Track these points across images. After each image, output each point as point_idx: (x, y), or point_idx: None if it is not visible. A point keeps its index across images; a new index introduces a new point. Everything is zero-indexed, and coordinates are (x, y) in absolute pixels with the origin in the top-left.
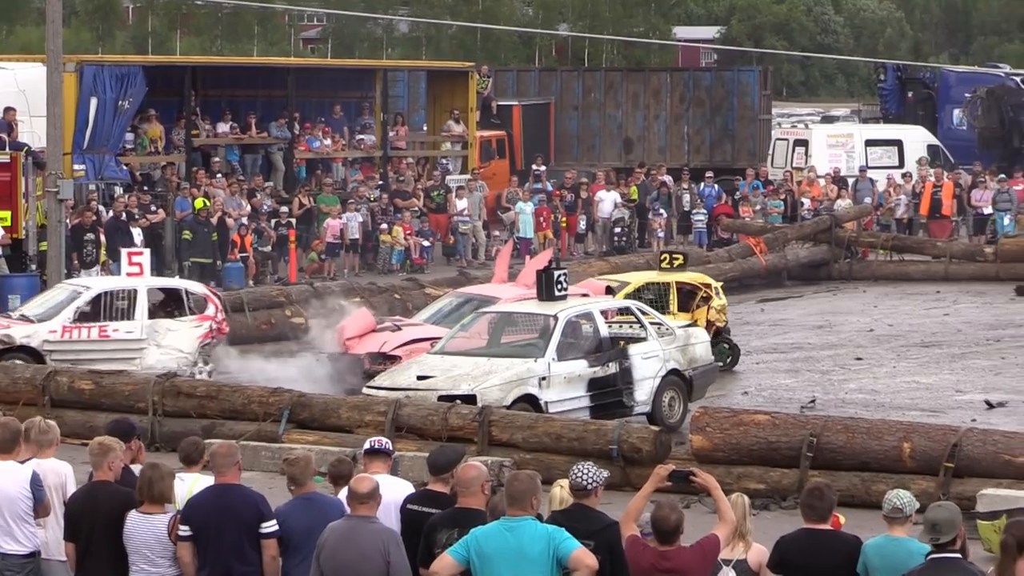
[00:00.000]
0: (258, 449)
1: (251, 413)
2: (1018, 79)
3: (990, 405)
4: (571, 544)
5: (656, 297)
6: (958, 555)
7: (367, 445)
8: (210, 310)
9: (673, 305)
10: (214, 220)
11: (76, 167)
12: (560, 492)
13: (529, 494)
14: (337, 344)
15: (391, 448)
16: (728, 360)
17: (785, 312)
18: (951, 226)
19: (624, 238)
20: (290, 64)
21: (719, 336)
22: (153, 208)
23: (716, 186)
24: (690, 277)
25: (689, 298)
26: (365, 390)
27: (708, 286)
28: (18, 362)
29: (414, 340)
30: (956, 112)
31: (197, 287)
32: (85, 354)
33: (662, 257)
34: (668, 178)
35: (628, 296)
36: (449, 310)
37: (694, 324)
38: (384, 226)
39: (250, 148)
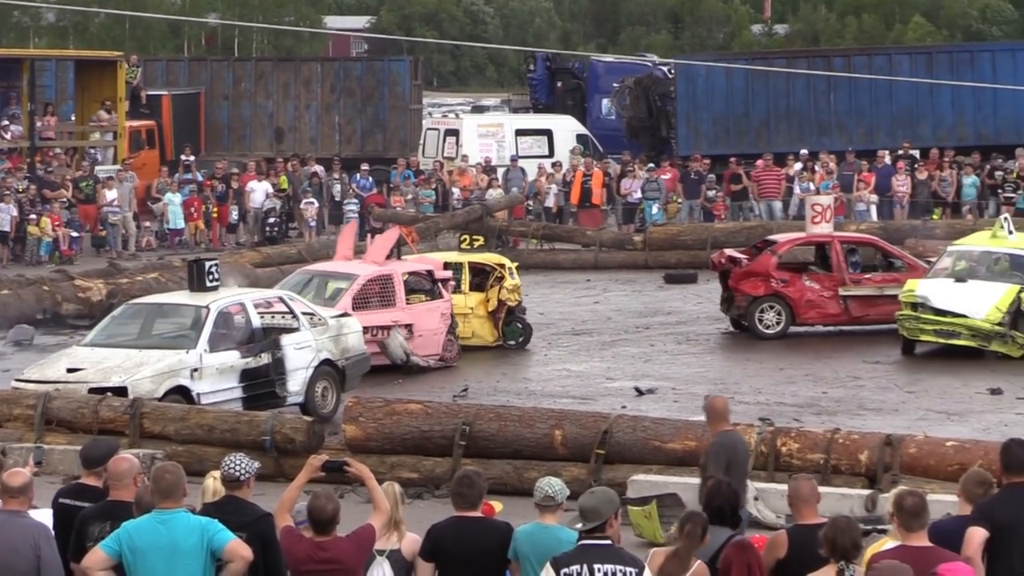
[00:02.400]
0: None
1: None
2: (665, 69)
3: (640, 392)
4: (225, 536)
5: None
6: (607, 540)
7: None
8: None
9: (465, 285)
10: None
11: None
12: (213, 484)
13: (179, 486)
14: None
15: None
16: (520, 339)
17: None
18: (601, 215)
19: (276, 228)
20: None
21: (512, 315)
22: None
23: (370, 177)
24: (484, 258)
25: (483, 278)
26: (13, 384)
27: (502, 266)
28: None
29: None
30: (605, 102)
31: None
32: None
33: (462, 238)
34: (319, 168)
35: None
36: (300, 288)
37: (347, 314)
38: (33, 217)
39: None
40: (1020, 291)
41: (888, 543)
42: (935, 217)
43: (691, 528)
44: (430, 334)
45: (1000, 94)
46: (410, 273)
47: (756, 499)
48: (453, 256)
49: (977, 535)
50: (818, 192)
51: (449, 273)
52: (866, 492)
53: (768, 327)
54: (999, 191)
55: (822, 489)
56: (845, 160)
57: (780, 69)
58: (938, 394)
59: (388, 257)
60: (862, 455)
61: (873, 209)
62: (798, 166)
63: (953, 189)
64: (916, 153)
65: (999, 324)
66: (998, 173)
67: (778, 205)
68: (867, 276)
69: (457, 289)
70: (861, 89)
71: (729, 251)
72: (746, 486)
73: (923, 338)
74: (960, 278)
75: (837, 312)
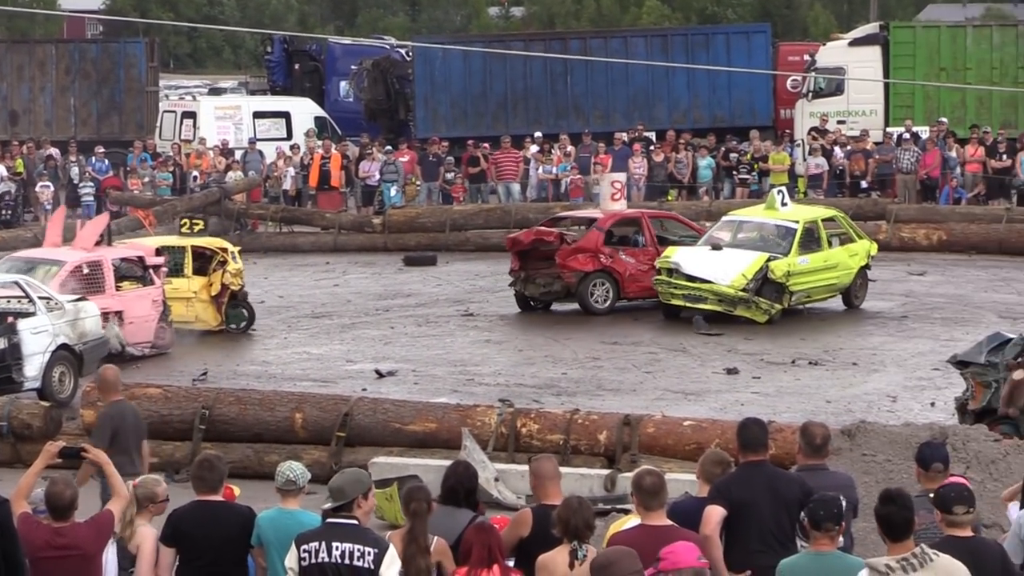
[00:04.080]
0: None
1: None
2: (403, 51)
3: (380, 374)
4: None
5: (172, 260)
6: (352, 520)
7: None
8: None
9: (188, 268)
10: None
11: None
12: None
13: None
14: None
15: None
16: (244, 324)
17: None
18: (340, 197)
19: (10, 211)
20: None
21: (235, 299)
22: None
23: (107, 160)
24: (207, 242)
25: (206, 262)
26: None
27: (224, 250)
28: None
29: None
30: (343, 84)
31: None
32: None
33: (182, 222)
34: (55, 150)
35: None
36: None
37: (84, 299)
38: None
39: None
40: (768, 259)
41: (631, 521)
42: (670, 199)
43: (416, 506)
44: (141, 321)
45: (735, 77)
46: (121, 259)
47: (497, 480)
48: (174, 240)
49: (715, 513)
50: (557, 175)
51: (161, 259)
52: (605, 472)
53: (598, 302)
54: (734, 173)
55: (562, 469)
56: (582, 142)
57: (517, 52)
58: (675, 374)
59: (98, 243)
60: (601, 435)
61: None
62: (535, 148)
63: (689, 171)
64: (652, 135)
65: (743, 290)
66: (733, 155)
67: (516, 187)
68: None
69: (180, 273)
70: (597, 72)
71: (546, 228)
72: (140, 454)
73: (674, 302)
74: (716, 246)
75: None
